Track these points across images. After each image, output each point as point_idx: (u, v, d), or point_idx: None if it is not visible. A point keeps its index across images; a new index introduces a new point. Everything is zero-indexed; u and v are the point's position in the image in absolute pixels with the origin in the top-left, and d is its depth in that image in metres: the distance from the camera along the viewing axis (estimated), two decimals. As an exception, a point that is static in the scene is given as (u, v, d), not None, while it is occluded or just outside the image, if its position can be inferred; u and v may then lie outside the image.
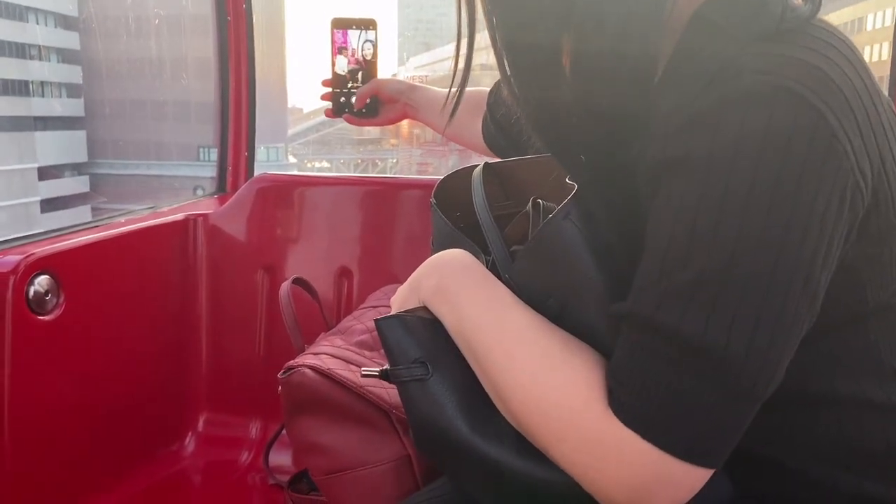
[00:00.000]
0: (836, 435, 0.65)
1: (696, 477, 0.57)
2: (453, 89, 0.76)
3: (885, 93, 0.64)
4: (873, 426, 0.65)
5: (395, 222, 1.54)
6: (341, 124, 1.46)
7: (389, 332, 0.73)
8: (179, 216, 1.50)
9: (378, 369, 0.75)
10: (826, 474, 0.66)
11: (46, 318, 1.16)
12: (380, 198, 1.57)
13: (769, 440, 0.66)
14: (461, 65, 0.74)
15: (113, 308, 1.31)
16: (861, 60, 0.60)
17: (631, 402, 0.57)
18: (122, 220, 1.43)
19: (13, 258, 1.12)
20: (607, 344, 0.63)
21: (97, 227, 1.36)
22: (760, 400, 0.56)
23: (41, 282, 1.15)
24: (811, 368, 0.63)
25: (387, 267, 1.53)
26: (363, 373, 0.77)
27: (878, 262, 0.61)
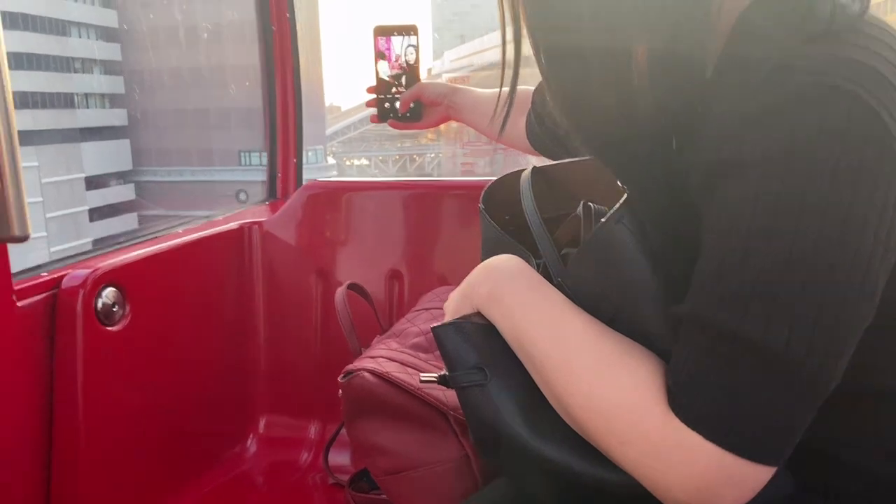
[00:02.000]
0: (895, 429, 0.66)
1: (760, 475, 0.57)
2: (499, 106, 0.77)
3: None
4: None
5: (440, 224, 1.57)
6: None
7: (446, 339, 0.74)
8: (234, 225, 1.55)
9: (436, 375, 0.77)
10: (886, 468, 0.66)
11: (114, 328, 1.21)
12: (425, 200, 1.59)
13: (829, 435, 0.66)
14: (508, 74, 0.75)
15: (175, 316, 1.36)
16: None
17: (692, 403, 0.57)
18: (181, 230, 1.48)
19: (81, 272, 1.17)
20: (662, 346, 0.63)
21: (157, 238, 1.41)
22: (822, 397, 0.56)
23: (108, 294, 1.20)
24: (870, 364, 0.62)
25: (435, 268, 1.56)
26: (422, 378, 0.79)
27: None
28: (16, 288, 1.05)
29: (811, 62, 0.55)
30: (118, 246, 1.34)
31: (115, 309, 1.21)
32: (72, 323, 1.14)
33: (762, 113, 0.55)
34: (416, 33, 1.36)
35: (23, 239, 1.01)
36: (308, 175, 1.79)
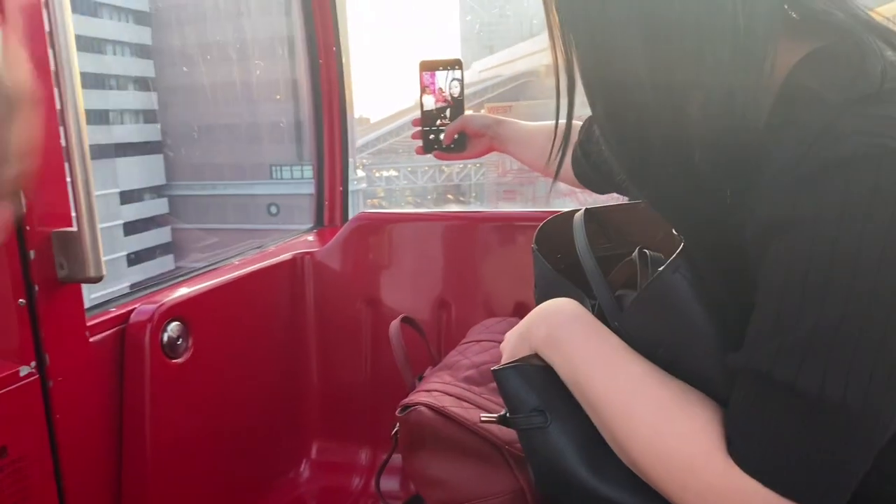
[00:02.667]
0: None
1: None
2: (553, 153, 0.79)
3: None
4: None
5: (486, 255, 1.60)
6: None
7: (506, 382, 0.77)
8: (288, 255, 1.60)
9: (496, 416, 0.79)
10: None
11: (178, 361, 1.26)
12: (469, 231, 1.63)
13: (886, 479, 0.67)
14: (562, 123, 0.76)
15: (233, 346, 1.41)
16: None
17: (751, 451, 0.59)
18: (237, 261, 1.53)
19: (148, 307, 1.22)
20: (720, 395, 0.65)
21: (215, 269, 1.46)
22: (877, 447, 0.57)
23: (173, 328, 1.25)
24: None
25: (480, 298, 1.59)
26: (482, 418, 0.82)
27: None
28: (88, 324, 1.11)
29: (864, 122, 0.56)
30: (181, 278, 1.40)
31: (179, 342, 1.26)
32: (140, 357, 1.19)
33: (817, 172, 0.56)
34: (460, 67, 1.39)
35: (98, 279, 1.06)
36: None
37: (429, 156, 1.42)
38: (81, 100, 0.99)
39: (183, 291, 1.31)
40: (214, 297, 1.36)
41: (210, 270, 1.46)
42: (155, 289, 1.33)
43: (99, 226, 1.05)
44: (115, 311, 1.21)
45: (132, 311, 1.22)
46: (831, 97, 0.59)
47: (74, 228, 1.02)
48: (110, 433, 1.18)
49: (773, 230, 0.59)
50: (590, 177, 1.25)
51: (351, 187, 1.90)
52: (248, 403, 1.45)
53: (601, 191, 1.26)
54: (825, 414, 0.56)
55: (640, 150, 0.68)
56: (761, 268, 0.61)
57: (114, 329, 1.19)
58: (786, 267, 0.58)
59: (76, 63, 0.98)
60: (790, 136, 0.60)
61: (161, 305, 1.23)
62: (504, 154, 1.44)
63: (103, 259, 1.06)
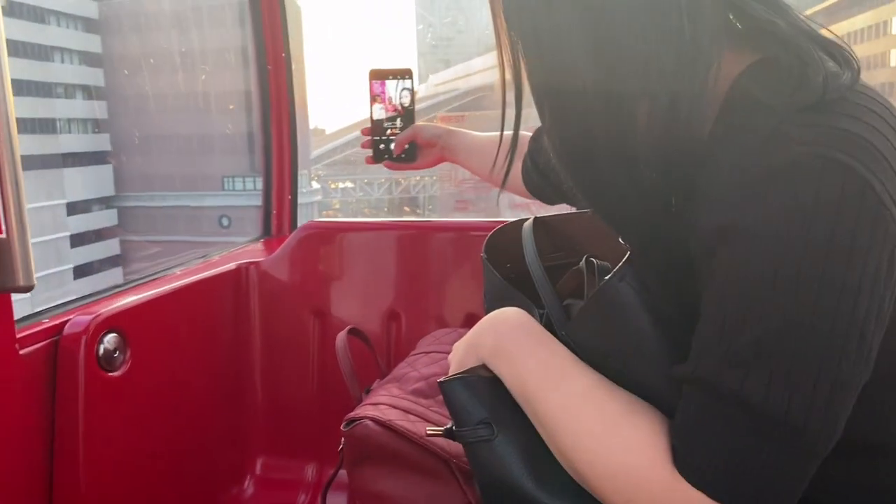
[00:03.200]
0: (893, 480, 0.67)
1: None
2: (499, 155, 0.78)
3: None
4: None
5: (437, 265, 1.58)
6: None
7: (452, 394, 0.75)
8: (232, 265, 1.56)
9: (443, 429, 0.78)
10: None
11: (115, 374, 1.21)
12: (420, 241, 1.61)
13: (829, 489, 0.67)
14: (509, 134, 0.76)
15: (174, 359, 1.37)
16: None
17: (697, 462, 0.59)
18: (178, 271, 1.49)
19: (83, 318, 1.17)
20: (667, 404, 0.64)
21: (156, 280, 1.42)
22: (822, 456, 0.58)
23: (109, 340, 1.20)
24: (868, 419, 0.64)
25: (432, 309, 1.57)
26: (428, 432, 0.80)
27: None
28: (18, 336, 1.05)
29: (806, 132, 0.57)
30: (118, 289, 1.35)
31: (116, 355, 1.21)
32: (74, 370, 1.14)
33: (759, 181, 0.57)
34: (410, 77, 1.38)
35: (28, 289, 1.01)
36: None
37: (384, 168, 1.41)
38: (12, 105, 0.94)
39: (121, 302, 1.26)
40: (154, 308, 1.32)
41: (150, 281, 1.41)
42: (91, 300, 1.28)
43: (29, 231, 1.00)
44: (47, 323, 1.16)
45: (66, 322, 1.16)
46: (776, 106, 0.59)
47: (3, 236, 0.97)
48: (41, 451, 1.12)
49: (718, 238, 0.59)
50: (540, 187, 1.25)
51: (306, 199, 1.87)
52: (189, 418, 1.40)
53: (551, 201, 1.26)
54: (770, 425, 0.56)
55: (586, 158, 0.67)
56: (707, 276, 0.61)
57: (46, 341, 1.14)
58: (731, 275, 0.58)
59: (6, 67, 0.93)
60: (735, 144, 0.61)
61: (97, 316, 1.18)
62: (455, 165, 1.43)
63: (34, 268, 1.01)
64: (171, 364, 1.35)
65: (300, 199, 1.80)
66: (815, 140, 0.56)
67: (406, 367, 1.25)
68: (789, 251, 0.55)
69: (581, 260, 0.80)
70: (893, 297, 0.58)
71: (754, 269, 0.56)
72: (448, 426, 0.78)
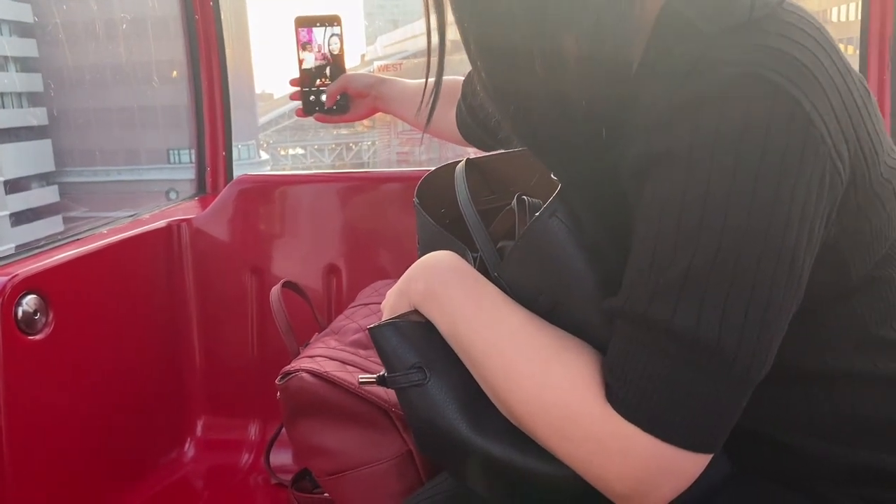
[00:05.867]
0: (828, 408, 0.67)
1: (697, 463, 0.58)
2: (425, 96, 0.76)
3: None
4: (863, 397, 0.67)
5: (378, 217, 1.54)
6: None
7: (383, 340, 0.73)
8: (162, 223, 1.50)
9: (375, 376, 0.76)
10: (821, 447, 0.67)
11: (37, 337, 1.15)
12: (361, 193, 1.57)
13: (764, 418, 0.67)
14: (434, 63, 0.73)
15: (103, 321, 1.31)
16: (830, 41, 0.60)
17: (629, 396, 0.58)
18: (105, 230, 1.42)
19: (-1, 279, 1.11)
20: (601, 339, 0.63)
21: (80, 240, 1.35)
22: (754, 384, 0.57)
23: (28, 302, 1.14)
24: (801, 346, 0.64)
25: (374, 262, 1.53)
26: (360, 380, 0.78)
27: (859, 237, 0.62)
28: (-73, 299, 0.99)
29: (734, 52, 0.56)
30: (39, 250, 1.28)
31: (36, 317, 1.15)
32: (-10, 334, 1.08)
33: (688, 104, 0.55)
34: (339, 23, 1.33)
35: None
36: (240, 172, 1.74)
37: (336, 133, 1.36)
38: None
39: (41, 263, 1.19)
40: (78, 268, 1.26)
41: (73, 241, 1.34)
42: (8, 261, 1.21)
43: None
44: (-41, 285, 1.10)
45: (-21, 284, 1.10)
46: (705, 27, 0.58)
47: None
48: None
49: (649, 166, 0.58)
50: (475, 133, 1.24)
51: (254, 170, 1.80)
52: (121, 381, 1.35)
53: (487, 147, 1.24)
54: (701, 354, 0.56)
55: (515, 92, 0.66)
56: (637, 206, 0.60)
57: (-41, 304, 1.08)
58: (660, 206, 0.57)
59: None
60: (664, 69, 0.60)
61: (13, 277, 1.12)
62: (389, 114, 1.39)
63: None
64: (99, 326, 1.30)
65: (249, 171, 1.72)
66: (743, 60, 0.55)
67: (344, 320, 1.22)
68: (717, 176, 0.54)
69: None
70: (825, 221, 0.58)
71: (683, 195, 0.55)
72: (381, 373, 0.75)
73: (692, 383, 0.56)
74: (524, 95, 0.65)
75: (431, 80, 0.74)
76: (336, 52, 1.33)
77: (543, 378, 0.63)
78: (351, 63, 1.40)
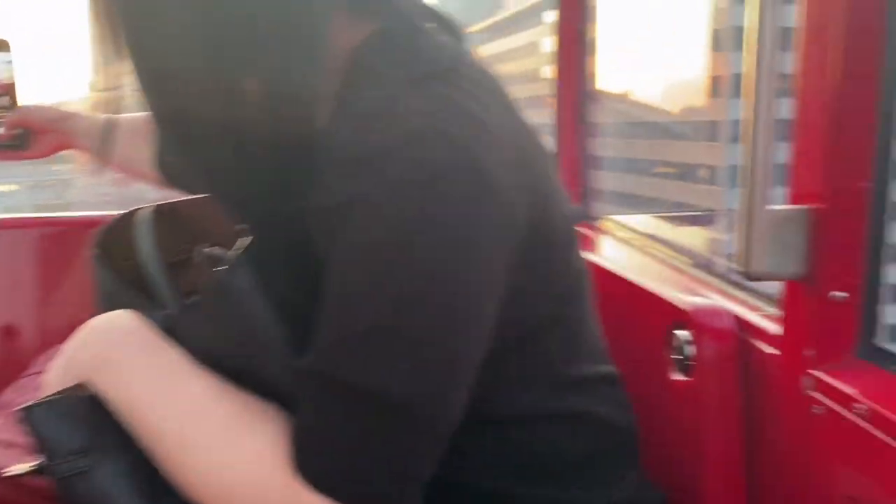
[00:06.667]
0: (526, 449, 0.68)
1: None
2: (97, 142, 0.69)
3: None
4: (560, 436, 0.68)
5: (68, 268, 1.37)
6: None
7: (38, 423, 0.64)
8: None
9: (33, 465, 0.65)
10: (523, 489, 0.67)
11: None
12: (49, 241, 1.40)
13: (463, 465, 0.66)
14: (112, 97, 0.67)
15: None
16: (508, 98, 0.63)
17: (316, 464, 0.56)
18: None
19: None
20: (293, 404, 0.60)
21: None
22: (444, 438, 0.57)
23: None
24: (494, 389, 0.65)
25: (55, 320, 1.35)
26: (6, 474, 0.67)
27: (540, 279, 0.64)
28: None
29: (419, 103, 0.56)
30: None
31: None
32: None
33: (375, 155, 0.55)
34: (7, 49, 1.17)
35: None
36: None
37: (55, 168, 1.18)
38: None
39: None
40: None
41: None
42: None
43: None
44: None
45: None
46: (392, 76, 0.59)
47: None
48: None
49: (334, 218, 0.56)
50: (178, 175, 1.12)
51: None
52: None
53: (193, 190, 1.14)
54: (387, 413, 0.55)
55: (194, 137, 0.62)
56: (326, 261, 0.58)
57: None
58: (341, 261, 0.56)
59: None
60: (351, 118, 0.59)
61: None
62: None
63: None
64: None
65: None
66: (426, 112, 0.56)
67: (12, 394, 1.05)
68: (397, 229, 0.54)
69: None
70: (506, 267, 0.59)
71: (363, 251, 0.55)
72: (41, 461, 0.65)
73: (380, 445, 0.55)
74: (202, 141, 0.61)
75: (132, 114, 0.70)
76: (7, 82, 1.16)
77: (223, 453, 0.59)
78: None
